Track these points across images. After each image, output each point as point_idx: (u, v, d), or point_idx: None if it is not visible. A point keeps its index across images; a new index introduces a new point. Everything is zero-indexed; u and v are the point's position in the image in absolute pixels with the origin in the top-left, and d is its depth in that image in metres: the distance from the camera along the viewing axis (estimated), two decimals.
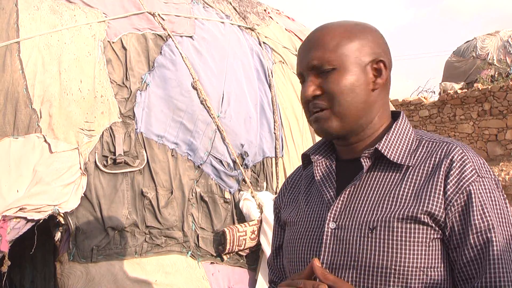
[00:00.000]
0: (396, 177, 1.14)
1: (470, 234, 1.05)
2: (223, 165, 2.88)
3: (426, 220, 1.07)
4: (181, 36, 3.17)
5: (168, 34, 3.10)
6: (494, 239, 1.05)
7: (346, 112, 1.15)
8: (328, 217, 1.15)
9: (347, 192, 1.16)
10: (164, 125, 2.80)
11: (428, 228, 1.07)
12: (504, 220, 1.08)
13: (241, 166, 2.93)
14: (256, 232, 2.81)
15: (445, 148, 1.13)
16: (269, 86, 3.32)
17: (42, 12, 2.92)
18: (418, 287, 1.06)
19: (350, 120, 1.16)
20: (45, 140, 2.53)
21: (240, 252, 2.81)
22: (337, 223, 1.14)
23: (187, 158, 2.81)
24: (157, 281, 2.53)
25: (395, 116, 1.25)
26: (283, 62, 3.57)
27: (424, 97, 12.16)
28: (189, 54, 3.08)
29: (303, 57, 1.18)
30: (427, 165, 1.13)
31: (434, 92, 16.12)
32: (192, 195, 2.77)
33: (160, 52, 3.01)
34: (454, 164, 1.09)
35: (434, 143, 1.16)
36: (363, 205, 1.13)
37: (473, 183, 1.08)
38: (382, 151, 1.14)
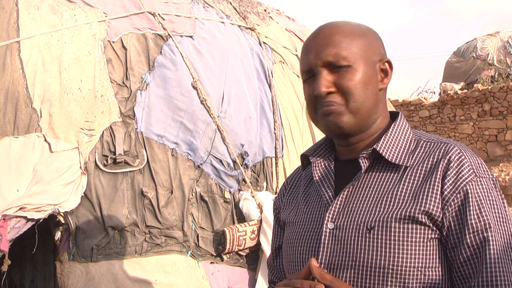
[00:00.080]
0: (394, 178, 1.14)
1: (467, 234, 1.06)
2: (223, 165, 2.88)
3: (423, 220, 1.07)
4: (181, 36, 3.17)
5: (168, 34, 3.11)
6: (491, 238, 1.05)
7: (360, 108, 1.15)
8: (327, 217, 1.16)
9: (345, 193, 1.16)
10: (164, 125, 2.81)
11: (425, 228, 1.07)
12: (501, 220, 1.09)
13: (241, 166, 2.93)
14: (256, 232, 2.81)
15: (443, 148, 1.13)
16: (269, 86, 3.32)
17: (42, 11, 2.92)
18: (416, 287, 1.06)
19: (363, 117, 1.17)
20: (45, 140, 2.53)
21: (240, 252, 2.82)
22: (335, 223, 1.14)
23: (187, 158, 2.81)
24: (157, 280, 2.54)
25: (393, 116, 1.26)
26: (283, 62, 3.58)
27: (424, 98, 12.17)
28: (189, 54, 3.08)
29: (315, 53, 1.16)
30: (425, 165, 1.13)
31: (434, 92, 16.14)
32: (192, 195, 2.77)
33: (160, 52, 3.01)
34: (452, 164, 1.10)
35: (432, 143, 1.16)
36: (361, 205, 1.14)
37: (470, 183, 1.08)
38: (380, 152, 1.15)
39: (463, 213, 1.07)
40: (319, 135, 3.25)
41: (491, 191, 1.10)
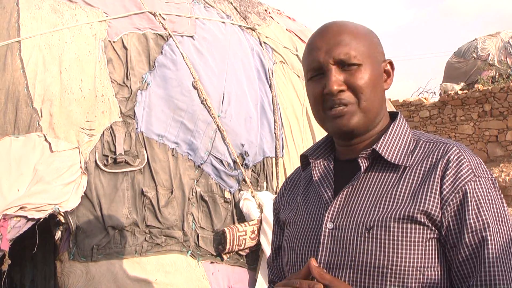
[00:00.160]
0: (394, 178, 1.14)
1: (465, 233, 1.06)
2: (224, 164, 2.88)
3: (422, 220, 1.07)
4: (182, 36, 3.17)
5: (169, 34, 3.11)
6: (489, 238, 1.05)
7: (370, 107, 1.16)
8: (326, 217, 1.16)
9: (344, 193, 1.17)
10: (164, 125, 2.81)
11: (424, 228, 1.08)
12: (500, 219, 1.09)
13: (241, 166, 2.93)
14: (256, 232, 2.81)
15: (442, 148, 1.13)
16: (270, 86, 3.32)
17: (43, 11, 2.92)
18: (415, 287, 1.07)
19: (372, 116, 1.17)
20: (46, 139, 2.54)
21: (240, 252, 2.82)
22: (334, 223, 1.15)
23: (187, 158, 2.82)
24: (157, 280, 2.54)
25: (392, 116, 1.26)
26: (283, 62, 3.58)
27: (425, 98, 12.17)
28: (190, 54, 3.08)
29: (326, 51, 1.16)
30: (424, 165, 1.13)
31: (434, 92, 16.13)
32: (192, 195, 2.77)
33: (161, 52, 3.01)
34: (451, 164, 1.10)
35: (431, 143, 1.17)
36: (360, 205, 1.14)
37: (469, 183, 1.08)
38: (380, 152, 1.15)
39: (462, 213, 1.07)
40: (319, 135, 3.25)
41: (490, 191, 1.11)
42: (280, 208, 1.39)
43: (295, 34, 3.97)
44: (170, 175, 2.74)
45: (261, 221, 2.82)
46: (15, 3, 2.92)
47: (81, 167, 2.54)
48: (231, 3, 3.83)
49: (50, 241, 2.74)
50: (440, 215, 1.07)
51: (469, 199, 1.07)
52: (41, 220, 2.39)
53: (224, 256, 2.78)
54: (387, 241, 1.07)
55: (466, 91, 11.24)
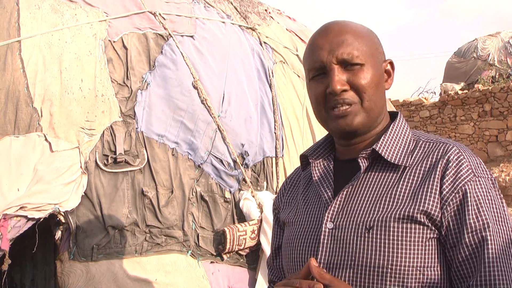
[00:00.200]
0: (393, 178, 1.15)
1: (465, 233, 1.06)
2: (224, 164, 2.88)
3: (422, 220, 1.07)
4: (182, 36, 3.17)
5: (169, 34, 3.11)
6: (489, 238, 1.05)
7: (373, 107, 1.16)
8: (326, 217, 1.16)
9: (344, 193, 1.17)
10: (164, 125, 2.81)
11: (424, 228, 1.08)
12: (500, 219, 1.09)
13: (242, 165, 2.93)
14: (256, 232, 2.81)
15: (442, 148, 1.14)
16: (270, 86, 3.32)
17: (43, 11, 2.92)
18: (414, 286, 1.07)
19: (374, 115, 1.18)
20: (46, 139, 2.54)
21: (240, 252, 2.82)
22: (334, 223, 1.15)
23: (187, 158, 2.82)
24: (157, 280, 2.54)
25: (392, 116, 1.27)
26: (284, 62, 3.58)
27: (425, 98, 12.16)
28: (190, 54, 3.09)
29: (329, 50, 1.16)
30: (424, 165, 1.13)
31: (434, 92, 16.12)
32: (193, 195, 2.77)
33: (161, 52, 3.01)
34: (450, 164, 1.10)
35: (431, 143, 1.17)
36: (360, 205, 1.14)
37: (469, 183, 1.08)
38: (380, 152, 1.15)
39: (461, 213, 1.07)
40: (319, 135, 3.25)
41: (489, 190, 1.11)
42: (280, 208, 1.39)
43: (295, 34, 3.98)
44: (170, 175, 2.74)
45: (261, 221, 2.82)
46: (15, 3, 2.92)
47: (81, 166, 2.54)
48: (231, 3, 3.83)
49: (50, 241, 2.74)
50: (440, 215, 1.08)
51: (469, 199, 1.07)
52: (41, 220, 2.40)
53: (224, 256, 2.78)
54: (387, 241, 1.07)
55: (466, 91, 11.24)
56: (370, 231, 1.09)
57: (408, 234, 1.07)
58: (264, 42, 3.58)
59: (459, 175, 1.09)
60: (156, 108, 2.82)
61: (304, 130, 3.36)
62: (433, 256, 1.08)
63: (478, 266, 1.05)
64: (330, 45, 1.16)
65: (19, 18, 2.84)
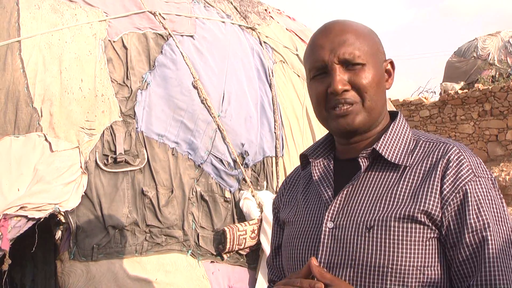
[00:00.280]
0: (394, 177, 1.15)
1: (466, 233, 1.06)
2: (224, 164, 2.88)
3: (423, 220, 1.08)
4: (181, 36, 3.17)
5: (169, 34, 3.11)
6: (489, 238, 1.05)
7: (374, 106, 1.16)
8: (326, 217, 1.16)
9: (345, 192, 1.17)
10: (164, 124, 2.81)
11: (425, 227, 1.08)
12: (500, 219, 1.09)
13: (242, 165, 2.93)
14: (256, 231, 2.81)
15: (442, 148, 1.14)
16: (270, 85, 3.32)
17: (43, 11, 2.92)
18: (415, 286, 1.07)
19: (375, 115, 1.18)
20: (46, 139, 2.54)
21: (240, 251, 2.82)
22: (334, 222, 1.15)
23: (187, 157, 2.82)
24: (157, 279, 2.54)
25: (392, 116, 1.27)
26: (283, 62, 3.58)
27: (425, 97, 12.15)
28: (190, 54, 3.09)
29: (330, 50, 1.16)
30: (424, 165, 1.13)
31: (434, 92, 16.11)
32: (193, 194, 2.77)
33: (161, 51, 3.01)
34: (451, 164, 1.10)
35: (431, 143, 1.17)
36: (360, 204, 1.14)
37: (469, 183, 1.09)
38: (380, 151, 1.15)
39: (462, 213, 1.07)
40: (319, 134, 3.25)
41: (490, 190, 1.11)
42: (279, 207, 1.39)
43: (295, 34, 3.98)
44: (170, 175, 2.74)
45: (261, 220, 2.82)
46: (15, 3, 2.92)
47: (81, 166, 2.54)
48: (231, 3, 3.83)
49: (51, 241, 2.75)
50: (440, 215, 1.08)
51: (469, 199, 1.07)
52: (41, 219, 2.40)
53: (224, 256, 2.78)
54: (387, 241, 1.07)
55: (466, 90, 11.23)
56: (371, 230, 1.09)
57: (409, 234, 1.07)
58: (264, 42, 3.58)
59: (459, 175, 1.09)
60: (156, 108, 2.83)
61: (304, 130, 3.36)
62: (433, 255, 1.08)
63: (479, 266, 1.05)
64: (332, 44, 1.16)
65: (19, 18, 2.84)
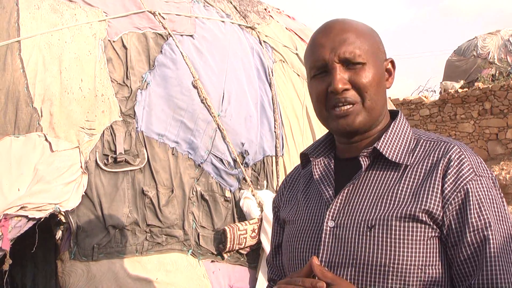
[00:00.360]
0: (395, 176, 1.15)
1: (467, 232, 1.06)
2: (224, 163, 2.88)
3: (424, 219, 1.08)
4: (181, 35, 3.17)
5: (169, 33, 3.11)
6: (491, 237, 1.05)
7: (374, 106, 1.16)
8: (327, 216, 1.16)
9: (345, 191, 1.17)
10: (164, 124, 2.81)
11: (426, 227, 1.08)
12: (501, 218, 1.09)
13: (242, 164, 2.93)
14: (256, 231, 2.81)
15: (443, 147, 1.14)
16: (270, 85, 3.32)
17: (42, 11, 2.92)
18: (416, 285, 1.07)
19: (375, 114, 1.18)
20: (46, 139, 2.54)
21: (240, 251, 2.82)
22: (335, 221, 1.15)
23: (187, 157, 2.82)
24: (158, 279, 2.54)
25: (393, 115, 1.27)
26: (283, 61, 3.58)
27: (425, 96, 12.14)
28: (190, 53, 3.09)
29: (331, 49, 1.15)
30: (425, 164, 1.13)
31: (434, 91, 16.08)
32: (193, 194, 2.77)
33: (161, 51, 3.01)
34: (452, 163, 1.10)
35: (432, 142, 1.17)
36: (361, 203, 1.14)
37: (470, 182, 1.09)
38: (381, 150, 1.15)
39: (463, 212, 1.07)
40: (319, 134, 3.25)
41: (490, 190, 1.11)
42: (280, 206, 1.39)
43: (295, 33, 3.97)
44: (171, 174, 2.74)
45: (261, 219, 2.82)
46: (14, 3, 2.92)
47: (81, 166, 2.54)
48: (231, 2, 3.83)
49: (51, 241, 2.75)
50: (441, 214, 1.08)
51: (470, 198, 1.07)
52: (41, 219, 2.40)
53: (225, 255, 2.78)
54: (388, 240, 1.07)
55: (466, 89, 11.22)
56: (372, 229, 1.09)
57: (410, 233, 1.07)
58: (264, 41, 3.58)
59: (460, 174, 1.09)
60: (156, 107, 2.83)
61: (304, 129, 3.36)
62: (434, 254, 1.08)
63: (480, 265, 1.05)
64: (332, 43, 1.16)
65: (18, 18, 2.84)
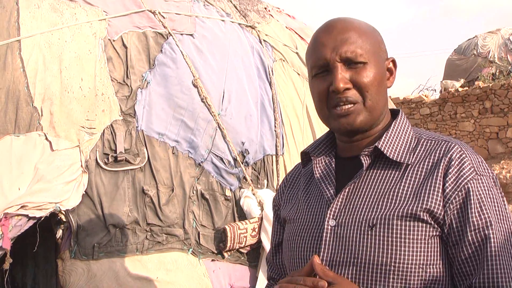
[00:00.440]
0: (396, 175, 1.15)
1: (468, 231, 1.06)
2: (224, 162, 2.89)
3: (425, 218, 1.08)
4: (181, 34, 3.17)
5: (169, 32, 3.11)
6: (491, 236, 1.06)
7: (375, 105, 1.16)
8: (328, 215, 1.16)
9: (347, 190, 1.17)
10: (165, 123, 2.81)
11: (427, 226, 1.08)
12: (501, 217, 1.10)
13: (242, 163, 2.94)
14: (257, 230, 2.81)
15: (444, 146, 1.14)
16: (270, 84, 3.32)
17: (42, 10, 2.92)
18: (417, 284, 1.07)
19: (376, 114, 1.18)
20: (46, 138, 2.54)
21: (241, 250, 2.82)
22: (337, 220, 1.15)
23: (188, 156, 2.82)
24: (158, 278, 2.54)
25: (393, 114, 1.27)
26: (283, 60, 3.58)
27: (425, 95, 12.14)
28: (190, 52, 3.09)
29: (332, 48, 1.15)
30: (426, 163, 1.13)
31: (435, 90, 16.08)
32: (193, 193, 2.78)
33: (161, 50, 3.01)
34: (453, 162, 1.10)
35: (433, 141, 1.17)
36: (362, 202, 1.14)
37: (471, 181, 1.09)
38: (382, 149, 1.15)
39: (464, 211, 1.07)
40: (320, 133, 3.25)
41: (491, 189, 1.11)
42: (280, 205, 1.39)
43: (295, 32, 3.97)
44: (171, 173, 2.74)
45: (261, 218, 2.82)
46: (15, 2, 2.92)
47: (81, 165, 2.54)
48: (231, 1, 3.83)
49: (52, 240, 2.75)
50: (442, 213, 1.08)
51: (471, 197, 1.08)
52: (42, 218, 2.40)
53: (225, 254, 2.78)
54: (389, 239, 1.07)
55: (467, 88, 11.22)
56: (373, 228, 1.09)
57: (411, 232, 1.07)
58: (264, 40, 3.58)
59: (461, 173, 1.09)
60: (156, 106, 2.83)
61: (304, 128, 3.36)
62: (435, 253, 1.08)
63: (481, 264, 1.05)
64: (334, 42, 1.16)
65: (18, 18, 2.84)
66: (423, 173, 1.12)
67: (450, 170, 1.09)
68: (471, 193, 1.08)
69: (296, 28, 4.05)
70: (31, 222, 2.37)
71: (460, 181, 1.09)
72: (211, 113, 2.91)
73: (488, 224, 1.06)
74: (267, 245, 2.77)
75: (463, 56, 15.34)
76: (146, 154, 2.71)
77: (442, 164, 1.11)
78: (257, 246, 2.86)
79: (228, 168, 2.89)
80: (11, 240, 2.30)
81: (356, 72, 1.15)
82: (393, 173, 1.15)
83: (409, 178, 1.13)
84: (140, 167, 2.67)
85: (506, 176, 8.84)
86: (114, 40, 2.94)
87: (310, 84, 1.23)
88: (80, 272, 2.46)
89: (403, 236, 1.07)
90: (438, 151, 1.14)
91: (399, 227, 1.08)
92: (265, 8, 4.09)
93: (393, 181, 1.14)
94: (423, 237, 1.07)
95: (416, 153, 1.16)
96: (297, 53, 3.70)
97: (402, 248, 1.07)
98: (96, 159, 2.60)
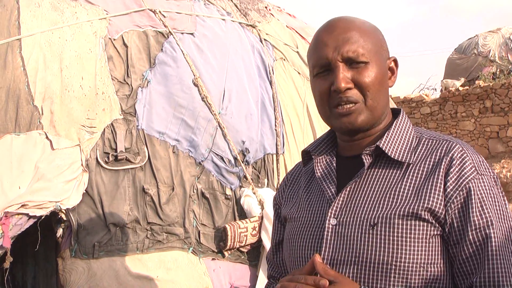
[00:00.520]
0: (397, 175, 1.15)
1: (469, 231, 1.06)
2: (224, 161, 2.89)
3: (426, 217, 1.08)
4: (182, 33, 3.17)
5: (169, 31, 3.11)
6: (492, 235, 1.06)
7: (377, 105, 1.16)
8: (329, 214, 1.16)
9: (348, 189, 1.17)
10: (165, 122, 2.81)
11: (428, 225, 1.08)
12: (502, 217, 1.10)
13: (242, 162, 2.94)
14: (257, 229, 2.81)
15: (445, 146, 1.14)
16: (270, 83, 3.32)
17: (43, 9, 2.92)
18: (418, 283, 1.07)
19: (378, 113, 1.18)
20: (47, 137, 2.54)
21: (241, 248, 2.82)
22: (338, 219, 1.15)
23: (188, 155, 2.82)
24: (158, 277, 2.54)
25: (395, 113, 1.27)
26: (284, 59, 3.58)
27: (426, 94, 12.14)
28: (190, 51, 3.08)
29: (334, 47, 1.15)
30: (427, 162, 1.13)
31: (435, 89, 16.08)
32: (194, 192, 2.78)
33: (161, 49, 3.01)
34: (454, 162, 1.10)
35: (434, 140, 1.17)
36: (364, 202, 1.14)
37: (472, 180, 1.09)
38: (383, 149, 1.15)
39: (465, 210, 1.07)
40: (320, 132, 3.25)
41: (492, 188, 1.11)
42: (281, 204, 1.39)
43: (296, 31, 3.97)
44: (171, 172, 2.74)
45: (262, 217, 2.82)
46: (15, 1, 2.92)
47: (82, 164, 2.54)
48: (231, 0, 3.83)
49: (52, 239, 2.75)
50: (444, 212, 1.08)
51: (472, 197, 1.08)
52: (42, 217, 2.40)
53: (226, 253, 2.78)
54: (391, 238, 1.07)
55: (467, 87, 11.21)
56: (374, 227, 1.09)
57: (412, 231, 1.07)
58: (264, 39, 3.57)
59: (463, 173, 1.09)
60: (157, 105, 2.83)
61: (304, 127, 3.36)
62: (436, 253, 1.08)
63: (482, 263, 1.05)
64: (336, 42, 1.15)
65: (19, 17, 2.84)
66: (424, 173, 1.12)
67: (451, 170, 1.09)
68: (472, 192, 1.08)
69: (297, 27, 4.05)
70: (31, 221, 2.37)
71: (461, 180, 1.09)
72: (211, 112, 2.91)
73: (489, 223, 1.06)
74: (267, 244, 2.77)
75: (464, 55, 15.33)
76: (147, 153, 2.71)
77: (443, 163, 1.11)
78: (258, 245, 2.86)
79: (229, 167, 2.89)
80: (11, 239, 2.31)
81: (358, 71, 1.15)
82: (395, 172, 1.15)
83: (410, 177, 1.13)
84: (140, 166, 2.67)
85: (506, 175, 8.84)
86: (114, 39, 2.94)
87: (312, 83, 1.23)
88: (81, 271, 2.46)
89: (404, 235, 1.07)
90: (439, 151, 1.14)
91: (400, 226, 1.08)
92: (266, 7, 4.09)
93: (394, 180, 1.14)
94: (424, 236, 1.07)
95: (417, 153, 1.16)
96: (297, 52, 3.69)
97: (403, 247, 1.07)
98: (97, 158, 2.61)
